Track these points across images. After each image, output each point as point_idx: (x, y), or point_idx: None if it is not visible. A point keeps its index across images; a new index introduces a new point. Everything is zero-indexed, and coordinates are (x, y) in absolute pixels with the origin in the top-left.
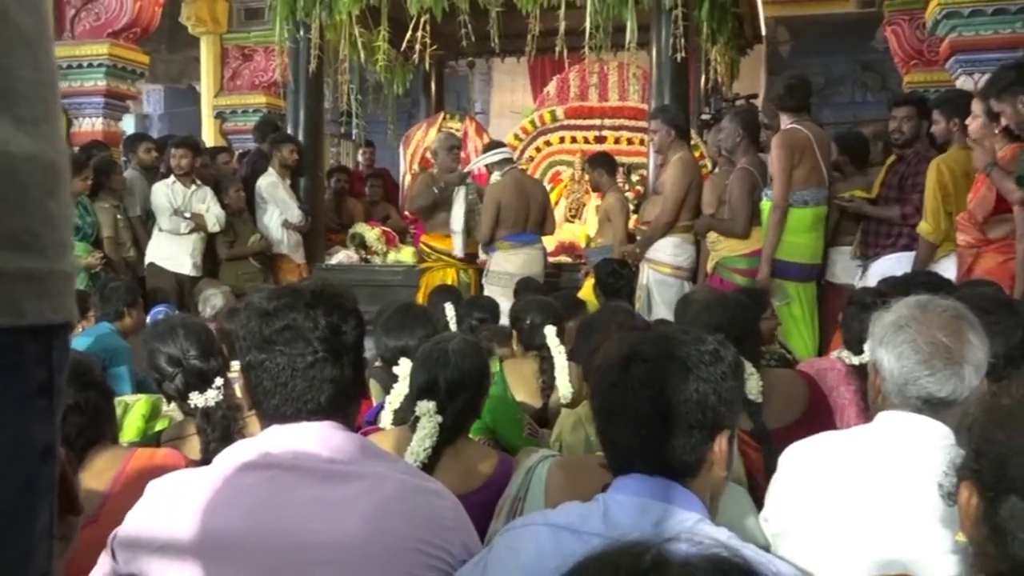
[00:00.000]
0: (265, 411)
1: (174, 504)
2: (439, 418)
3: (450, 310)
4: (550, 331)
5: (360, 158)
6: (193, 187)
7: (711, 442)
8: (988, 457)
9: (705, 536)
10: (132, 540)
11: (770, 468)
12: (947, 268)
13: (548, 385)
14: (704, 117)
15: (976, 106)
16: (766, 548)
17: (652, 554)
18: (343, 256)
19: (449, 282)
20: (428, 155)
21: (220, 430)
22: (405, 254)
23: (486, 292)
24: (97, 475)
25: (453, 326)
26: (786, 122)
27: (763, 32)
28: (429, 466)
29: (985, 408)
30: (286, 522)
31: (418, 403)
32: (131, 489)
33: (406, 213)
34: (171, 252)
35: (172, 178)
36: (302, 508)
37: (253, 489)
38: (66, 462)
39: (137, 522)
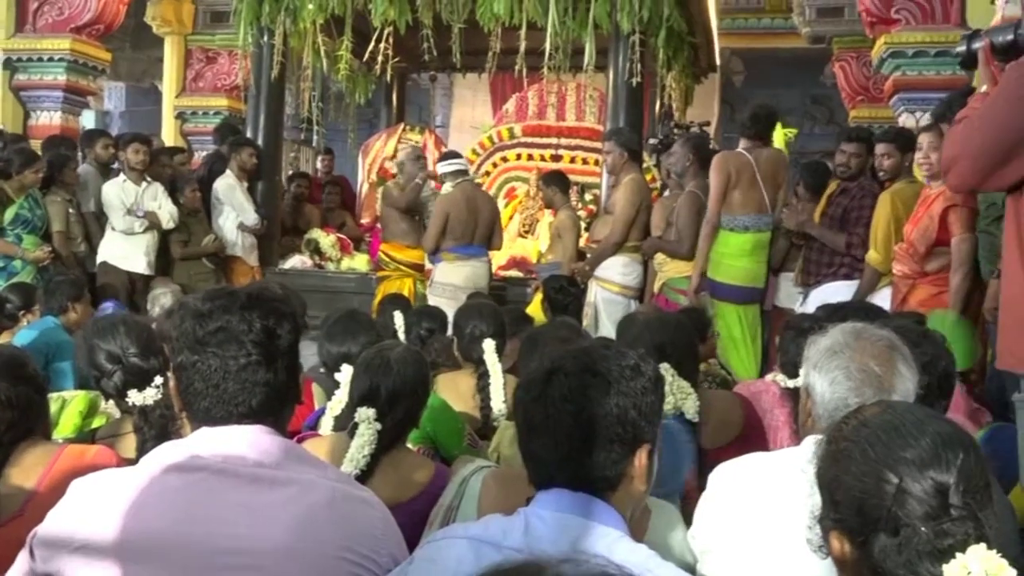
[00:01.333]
0: (195, 413)
1: (96, 503)
2: (378, 425)
3: (399, 319)
4: (488, 345)
5: (319, 165)
6: (144, 184)
7: (631, 456)
8: (844, 505)
9: (625, 552)
10: (51, 539)
11: (703, 487)
12: (883, 298)
13: (486, 403)
14: (652, 141)
15: (935, 138)
16: (692, 566)
17: None
18: (297, 261)
19: (405, 292)
20: (387, 165)
21: (157, 429)
22: (359, 262)
23: (430, 302)
24: (25, 471)
25: (402, 335)
26: (741, 145)
27: (717, 62)
28: (366, 473)
29: (826, 456)
30: (211, 526)
31: (358, 410)
32: (59, 486)
33: (362, 221)
34: (125, 251)
35: (122, 176)
36: (228, 512)
37: (179, 491)
38: None
39: (57, 521)
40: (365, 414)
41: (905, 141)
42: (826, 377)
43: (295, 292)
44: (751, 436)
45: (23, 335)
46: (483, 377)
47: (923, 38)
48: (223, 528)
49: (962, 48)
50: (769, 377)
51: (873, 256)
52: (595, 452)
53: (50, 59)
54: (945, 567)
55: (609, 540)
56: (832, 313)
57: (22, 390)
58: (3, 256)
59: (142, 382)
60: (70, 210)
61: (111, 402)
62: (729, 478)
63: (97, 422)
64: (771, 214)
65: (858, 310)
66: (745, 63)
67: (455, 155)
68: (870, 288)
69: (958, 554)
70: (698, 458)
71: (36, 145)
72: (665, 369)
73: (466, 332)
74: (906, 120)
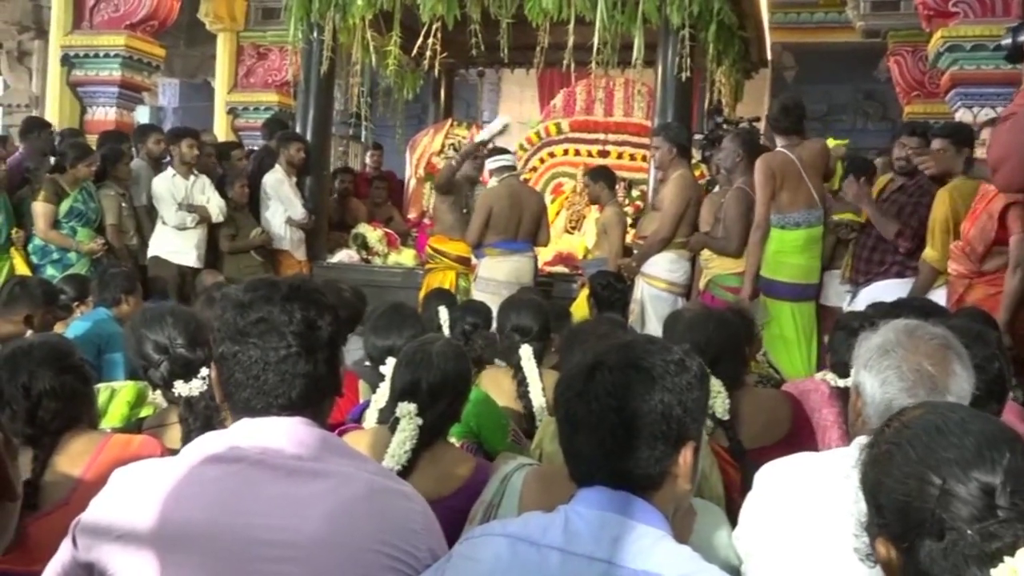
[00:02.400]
0: (235, 404)
1: (137, 493)
2: (419, 420)
3: (443, 313)
4: (525, 352)
5: (368, 160)
6: (192, 178)
7: (676, 454)
8: (888, 509)
9: (666, 553)
10: (93, 527)
11: (747, 486)
12: (939, 298)
13: (527, 407)
14: (697, 137)
15: None
16: (737, 568)
17: None
18: (344, 255)
19: (447, 285)
20: (434, 160)
21: (202, 420)
22: (406, 256)
23: (475, 298)
24: (72, 460)
25: (446, 330)
26: (779, 143)
27: (768, 56)
28: (406, 468)
29: (868, 460)
30: (249, 517)
31: (399, 405)
32: (105, 476)
33: (409, 216)
34: (176, 245)
35: (171, 171)
36: (266, 503)
37: (218, 482)
38: (3, 449)
39: (99, 510)
40: (406, 409)
41: (961, 136)
42: (877, 377)
43: (357, 290)
44: (799, 435)
45: (76, 326)
46: (522, 384)
47: (982, 31)
48: (260, 519)
49: (1007, 41)
50: (818, 376)
51: (930, 254)
52: (639, 449)
53: (106, 55)
54: (993, 571)
55: (650, 540)
56: (888, 311)
57: (66, 379)
58: (59, 248)
59: (188, 373)
60: (123, 204)
61: (159, 392)
62: (776, 478)
63: (145, 412)
64: (820, 208)
65: (916, 308)
66: (797, 58)
67: (503, 151)
68: (926, 287)
69: (1007, 557)
70: (740, 456)
71: (92, 140)
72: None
73: (505, 332)
74: (963, 115)
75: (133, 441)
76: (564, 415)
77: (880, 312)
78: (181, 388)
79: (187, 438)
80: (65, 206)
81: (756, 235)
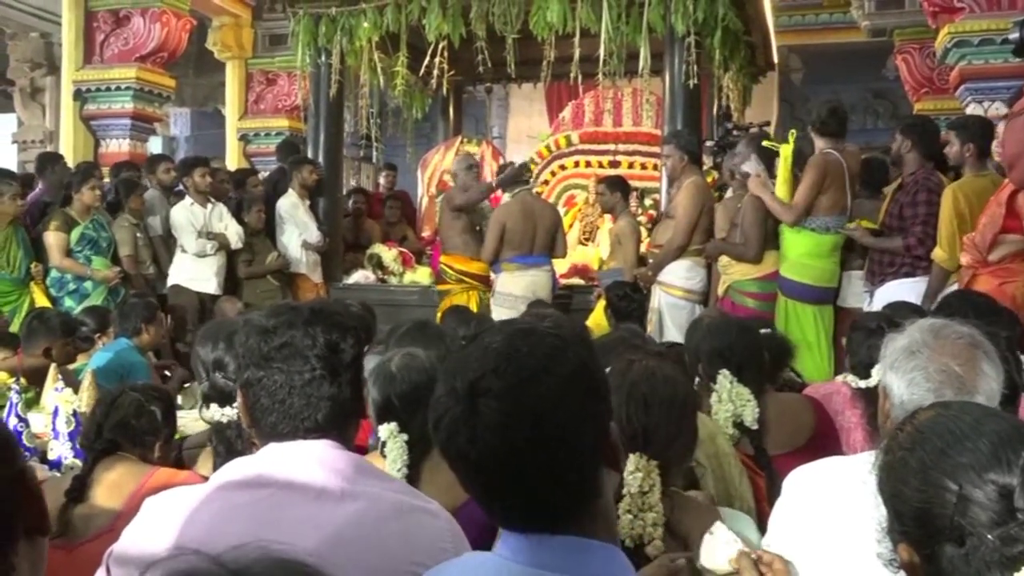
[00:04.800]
0: (263, 429)
1: (169, 521)
2: (404, 436)
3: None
4: None
5: (382, 180)
6: (209, 206)
7: (603, 445)
8: (907, 516)
9: None
10: (125, 556)
11: (773, 493)
12: None
13: None
14: (708, 143)
15: None
16: None
17: None
18: (360, 276)
19: (472, 306)
20: (445, 178)
21: (224, 445)
22: (421, 275)
23: (494, 314)
24: (112, 489)
25: None
26: (822, 146)
27: (775, 60)
28: (411, 485)
29: (884, 468)
30: (279, 541)
31: (379, 428)
32: None
33: (423, 234)
34: (196, 273)
35: (188, 200)
36: (295, 527)
37: (248, 507)
38: (34, 483)
39: (131, 539)
40: (387, 430)
41: (967, 129)
42: (903, 378)
43: (365, 304)
44: (824, 439)
45: (99, 357)
46: None
47: (989, 25)
48: (291, 543)
49: (1015, 35)
50: (839, 378)
51: (938, 253)
52: (583, 465)
53: (117, 88)
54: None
55: None
56: (913, 310)
57: (145, 408)
58: (75, 279)
59: (223, 400)
60: (138, 234)
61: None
62: (804, 484)
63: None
64: (848, 215)
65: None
66: (804, 60)
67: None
68: (940, 286)
69: None
70: (765, 464)
71: (107, 173)
72: (724, 375)
73: None
74: (974, 110)
75: (179, 475)
76: (468, 469)
77: (898, 311)
78: (214, 412)
79: (215, 463)
80: (76, 234)
81: (789, 215)
